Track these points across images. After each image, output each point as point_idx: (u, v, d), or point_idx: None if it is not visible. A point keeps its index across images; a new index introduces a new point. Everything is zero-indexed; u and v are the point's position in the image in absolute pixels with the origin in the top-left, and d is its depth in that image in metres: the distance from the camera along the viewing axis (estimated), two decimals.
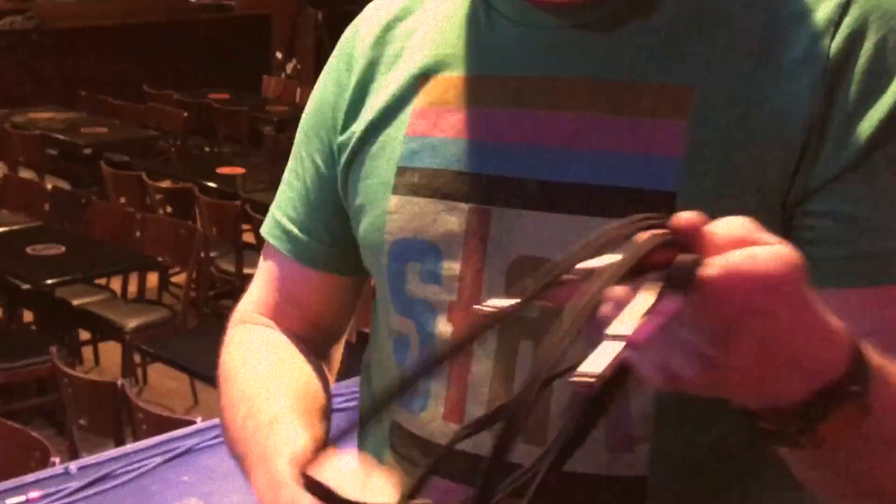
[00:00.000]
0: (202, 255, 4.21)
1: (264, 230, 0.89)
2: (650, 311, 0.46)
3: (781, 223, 0.68)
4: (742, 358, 0.49)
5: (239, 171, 5.19)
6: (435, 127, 0.76)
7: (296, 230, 0.86)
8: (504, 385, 0.71)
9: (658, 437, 0.69)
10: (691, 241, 0.49)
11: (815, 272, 0.65)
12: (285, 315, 0.88)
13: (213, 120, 6.77)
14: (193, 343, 3.41)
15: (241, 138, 6.68)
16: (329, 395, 0.85)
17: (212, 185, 4.97)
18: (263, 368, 0.83)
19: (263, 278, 0.90)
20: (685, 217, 0.50)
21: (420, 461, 0.75)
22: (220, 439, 1.80)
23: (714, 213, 0.55)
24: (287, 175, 0.89)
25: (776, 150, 0.67)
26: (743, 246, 0.49)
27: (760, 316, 0.48)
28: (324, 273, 0.86)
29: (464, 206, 0.73)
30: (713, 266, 0.47)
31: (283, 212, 0.88)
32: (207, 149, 6.94)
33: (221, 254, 4.41)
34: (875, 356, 0.57)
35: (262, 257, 0.91)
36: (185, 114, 6.56)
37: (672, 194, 0.68)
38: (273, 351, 0.86)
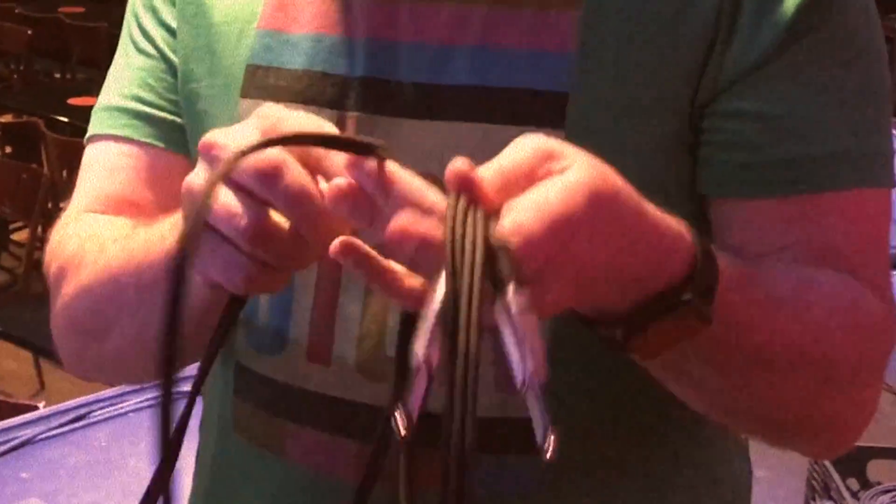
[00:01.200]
0: (50, 205, 4.14)
1: (101, 128, 0.86)
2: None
3: (690, 125, 0.71)
4: (557, 291, 0.54)
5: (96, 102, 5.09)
6: (294, 21, 0.77)
7: (155, 111, 0.85)
8: (376, 320, 0.74)
9: (550, 376, 0.74)
10: (470, 193, 0.52)
11: (727, 180, 0.71)
12: (133, 214, 0.83)
13: (65, 39, 6.61)
14: (39, 314, 3.34)
15: (100, 62, 6.55)
16: None
17: (63, 119, 4.87)
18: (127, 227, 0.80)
19: (99, 177, 0.86)
20: (454, 170, 0.53)
21: (276, 405, 0.78)
22: (68, 428, 1.80)
23: (609, 115, 0.62)
24: (123, 56, 0.87)
25: (681, 44, 0.70)
26: (523, 183, 0.52)
27: (559, 264, 0.53)
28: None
29: (329, 112, 0.75)
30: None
31: (127, 96, 0.85)
32: (58, 75, 6.78)
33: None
34: (733, 264, 0.63)
35: (87, 158, 0.87)
36: (30, 31, 6.39)
37: (564, 95, 0.71)
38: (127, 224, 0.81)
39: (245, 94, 0.78)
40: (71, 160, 4.36)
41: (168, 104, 0.85)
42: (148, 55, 0.86)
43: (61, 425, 1.76)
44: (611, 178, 0.55)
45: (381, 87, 0.74)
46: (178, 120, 0.84)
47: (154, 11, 0.86)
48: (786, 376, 0.69)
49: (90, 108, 0.91)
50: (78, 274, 0.80)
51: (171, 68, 0.84)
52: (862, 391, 0.74)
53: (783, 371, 0.68)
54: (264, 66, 0.77)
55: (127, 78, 0.86)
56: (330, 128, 0.59)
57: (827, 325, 0.69)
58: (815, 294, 0.69)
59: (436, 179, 0.55)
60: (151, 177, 0.85)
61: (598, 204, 0.53)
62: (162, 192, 0.84)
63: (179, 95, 0.83)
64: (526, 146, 0.54)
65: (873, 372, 0.74)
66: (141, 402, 1.78)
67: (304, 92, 0.75)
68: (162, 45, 0.85)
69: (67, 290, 0.81)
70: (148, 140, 0.84)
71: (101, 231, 0.81)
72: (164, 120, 0.85)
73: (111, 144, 0.86)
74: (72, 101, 5.16)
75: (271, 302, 0.77)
